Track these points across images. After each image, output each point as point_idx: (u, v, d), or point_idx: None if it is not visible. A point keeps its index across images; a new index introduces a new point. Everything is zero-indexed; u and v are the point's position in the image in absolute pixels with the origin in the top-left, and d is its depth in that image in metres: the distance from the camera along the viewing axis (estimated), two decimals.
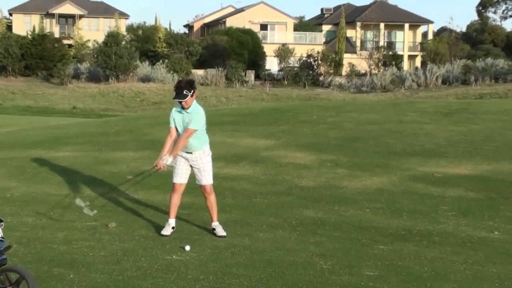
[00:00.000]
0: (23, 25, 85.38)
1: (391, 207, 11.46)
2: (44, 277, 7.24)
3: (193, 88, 9.13)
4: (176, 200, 9.50)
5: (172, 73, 67.71)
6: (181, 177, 9.43)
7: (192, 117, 9.14)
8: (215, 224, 9.48)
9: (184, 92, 9.02)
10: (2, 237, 6.20)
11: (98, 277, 7.34)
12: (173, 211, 9.48)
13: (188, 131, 9.09)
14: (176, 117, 9.29)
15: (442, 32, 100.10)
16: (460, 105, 26.16)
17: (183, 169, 9.41)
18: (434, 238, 9.68)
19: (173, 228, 9.39)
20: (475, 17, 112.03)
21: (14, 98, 59.78)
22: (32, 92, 62.53)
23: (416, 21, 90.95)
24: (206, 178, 9.42)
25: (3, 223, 6.25)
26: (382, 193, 12.49)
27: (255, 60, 77.44)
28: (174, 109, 9.37)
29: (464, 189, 12.95)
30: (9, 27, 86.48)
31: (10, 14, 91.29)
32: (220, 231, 9.39)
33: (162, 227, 9.48)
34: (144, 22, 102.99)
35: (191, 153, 9.33)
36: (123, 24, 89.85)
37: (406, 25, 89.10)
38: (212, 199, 9.50)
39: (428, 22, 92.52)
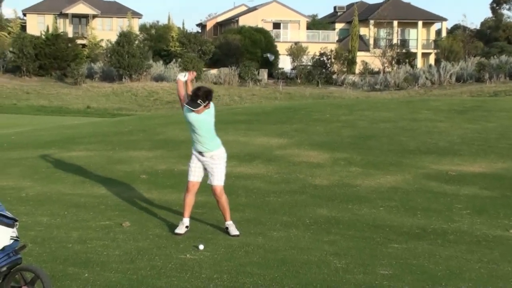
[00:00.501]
0: (37, 25, 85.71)
1: (405, 206, 11.43)
2: (58, 276, 7.26)
3: (209, 100, 9.11)
4: (190, 199, 9.51)
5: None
6: (194, 175, 9.44)
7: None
8: (228, 223, 9.48)
9: (198, 101, 9.01)
10: (17, 237, 6.22)
11: (112, 276, 7.36)
12: (188, 211, 9.49)
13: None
14: (188, 113, 9.29)
15: (455, 29, 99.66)
16: (474, 102, 26.06)
17: (197, 167, 9.43)
18: (449, 236, 9.65)
19: (186, 227, 9.40)
20: (489, 14, 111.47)
21: (29, 98, 59.99)
22: (46, 92, 62.74)
23: (429, 19, 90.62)
24: (217, 179, 9.39)
25: (17, 223, 6.26)
26: (396, 192, 12.45)
27: (268, 58, 77.36)
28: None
29: (478, 187, 12.90)
30: (23, 27, 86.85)
31: (24, 15, 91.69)
32: (233, 230, 9.38)
33: (176, 226, 9.49)
34: (157, 22, 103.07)
35: (203, 154, 9.34)
36: (136, 24, 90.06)
37: (420, 23, 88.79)
38: (223, 201, 9.47)
39: (441, 19, 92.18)
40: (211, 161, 9.35)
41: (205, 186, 9.73)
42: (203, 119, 9.17)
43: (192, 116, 9.16)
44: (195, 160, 9.41)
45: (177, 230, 9.33)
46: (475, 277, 7.83)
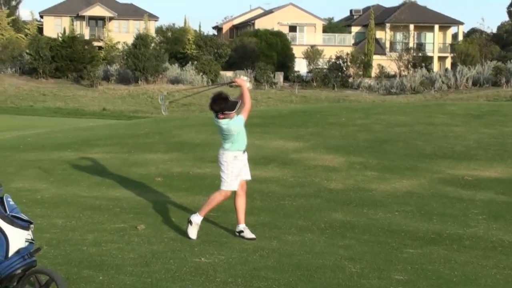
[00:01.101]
0: (54, 28, 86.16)
1: (420, 210, 11.38)
2: (73, 279, 7.27)
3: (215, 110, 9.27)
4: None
5: (202, 75, 67.90)
6: (236, 185, 9.45)
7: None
8: (243, 226, 9.47)
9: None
10: (32, 239, 6.24)
11: (127, 279, 7.36)
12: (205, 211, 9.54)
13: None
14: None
15: (472, 33, 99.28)
16: (490, 107, 25.93)
17: (239, 175, 9.46)
18: (465, 242, 9.60)
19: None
20: (505, 18, 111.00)
21: (45, 100, 60.28)
22: (63, 94, 63.01)
23: (446, 22, 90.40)
24: (249, 173, 9.64)
25: (33, 225, 6.28)
26: (411, 196, 12.40)
27: (284, 61, 77.42)
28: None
29: (494, 192, 12.82)
30: (40, 30, 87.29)
31: (41, 17, 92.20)
32: (248, 233, 9.38)
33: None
34: (174, 24, 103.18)
35: (245, 151, 9.51)
36: (152, 26, 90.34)
37: (436, 26, 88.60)
38: (245, 198, 9.56)
39: (458, 23, 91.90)
40: (246, 156, 9.57)
41: (217, 188, 9.70)
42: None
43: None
44: (238, 167, 9.44)
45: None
46: (491, 283, 7.79)
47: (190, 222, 9.30)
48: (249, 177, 9.67)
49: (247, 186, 9.77)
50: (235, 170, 9.38)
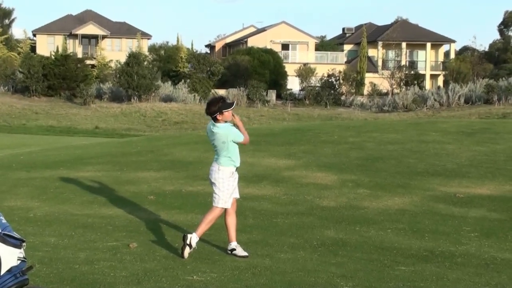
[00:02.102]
0: (47, 46, 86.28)
1: (412, 228, 11.40)
2: None
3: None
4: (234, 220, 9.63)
5: (194, 93, 68.01)
6: (230, 202, 9.48)
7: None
8: (235, 244, 9.46)
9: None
10: (24, 257, 6.21)
11: None
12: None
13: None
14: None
15: (464, 51, 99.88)
16: (482, 124, 26.01)
17: (232, 193, 9.49)
18: (457, 259, 9.61)
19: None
20: (497, 36, 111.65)
21: (38, 118, 60.25)
22: (55, 112, 63.00)
23: (438, 40, 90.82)
24: (238, 191, 9.68)
25: (25, 243, 6.26)
26: (403, 214, 12.43)
27: (277, 79, 77.61)
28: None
29: (486, 210, 12.86)
30: (33, 48, 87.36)
31: (34, 35, 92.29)
32: (241, 251, 9.37)
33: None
34: (167, 42, 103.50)
35: (237, 168, 9.56)
36: (145, 44, 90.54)
37: (428, 44, 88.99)
38: (235, 216, 9.60)
39: (450, 41, 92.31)
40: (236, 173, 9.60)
41: (210, 205, 9.71)
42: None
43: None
44: (232, 184, 9.47)
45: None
46: None
47: (189, 245, 9.18)
48: (238, 196, 9.69)
49: (237, 203, 9.78)
50: (230, 187, 9.40)
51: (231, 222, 9.53)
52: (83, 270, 8.36)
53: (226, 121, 9.37)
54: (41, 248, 9.45)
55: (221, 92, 70.35)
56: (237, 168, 9.52)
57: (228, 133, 9.30)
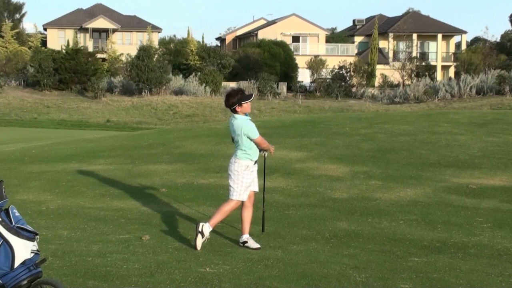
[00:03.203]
0: (58, 40, 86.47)
1: (425, 219, 11.38)
2: None
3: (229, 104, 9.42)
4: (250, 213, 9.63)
5: (205, 86, 68.01)
6: (247, 195, 9.48)
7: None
8: (247, 236, 9.46)
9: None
10: (37, 250, 6.24)
11: None
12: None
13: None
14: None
15: (476, 42, 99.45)
16: (494, 115, 25.92)
17: (249, 185, 9.50)
18: (469, 250, 9.59)
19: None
20: (509, 26, 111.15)
21: (49, 112, 60.39)
22: (67, 105, 63.13)
23: (449, 32, 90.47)
24: (257, 184, 9.68)
25: (38, 236, 6.29)
26: (416, 205, 12.40)
27: (287, 72, 77.51)
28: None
29: (499, 201, 12.82)
30: (44, 42, 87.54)
31: (45, 29, 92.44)
32: (253, 243, 9.37)
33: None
34: (174, 36, 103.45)
35: (256, 162, 9.55)
36: (156, 38, 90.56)
37: (439, 36, 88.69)
38: (252, 209, 9.60)
39: (461, 32, 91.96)
40: (256, 167, 9.61)
41: (221, 198, 9.71)
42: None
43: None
44: (249, 177, 9.48)
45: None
46: None
47: (201, 233, 9.18)
48: (257, 189, 9.68)
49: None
50: (245, 180, 9.39)
51: (247, 215, 9.53)
52: (96, 263, 8.39)
53: (245, 114, 9.39)
54: (54, 241, 9.48)
55: (232, 85, 70.33)
56: (255, 162, 9.50)
57: (243, 125, 9.30)
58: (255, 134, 9.34)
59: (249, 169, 9.40)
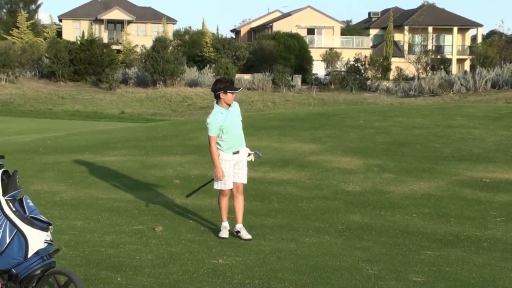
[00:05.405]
0: (73, 31, 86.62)
1: (438, 212, 11.36)
2: (92, 280, 7.32)
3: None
4: (227, 203, 9.61)
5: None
6: (230, 183, 9.49)
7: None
8: (240, 226, 9.54)
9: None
10: (51, 240, 6.28)
11: (145, 281, 7.40)
12: (225, 214, 9.58)
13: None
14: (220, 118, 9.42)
15: (492, 35, 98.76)
16: (509, 109, 25.77)
17: (231, 174, 9.48)
18: (483, 244, 9.57)
19: (229, 230, 9.48)
20: None
21: (64, 103, 60.53)
22: (81, 97, 63.27)
23: (465, 25, 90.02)
24: (246, 176, 9.67)
25: (52, 227, 6.32)
26: (429, 198, 12.38)
27: (302, 64, 77.40)
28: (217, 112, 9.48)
29: None
30: (59, 33, 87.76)
31: (60, 20, 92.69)
32: (245, 234, 9.45)
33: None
34: (190, 27, 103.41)
35: (238, 152, 9.50)
36: (170, 29, 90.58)
37: (455, 29, 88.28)
38: (242, 199, 9.68)
39: (477, 25, 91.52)
40: (243, 157, 9.64)
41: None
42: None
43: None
44: (229, 167, 9.49)
45: (222, 234, 9.47)
46: (509, 285, 7.76)
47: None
48: (244, 181, 9.68)
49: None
50: (224, 171, 9.45)
51: (236, 205, 9.64)
52: (109, 253, 8.42)
53: (228, 104, 9.40)
54: (67, 232, 9.53)
55: (247, 77, 70.28)
56: (235, 153, 9.50)
57: (208, 117, 9.57)
58: (209, 131, 9.47)
59: (224, 160, 9.41)
